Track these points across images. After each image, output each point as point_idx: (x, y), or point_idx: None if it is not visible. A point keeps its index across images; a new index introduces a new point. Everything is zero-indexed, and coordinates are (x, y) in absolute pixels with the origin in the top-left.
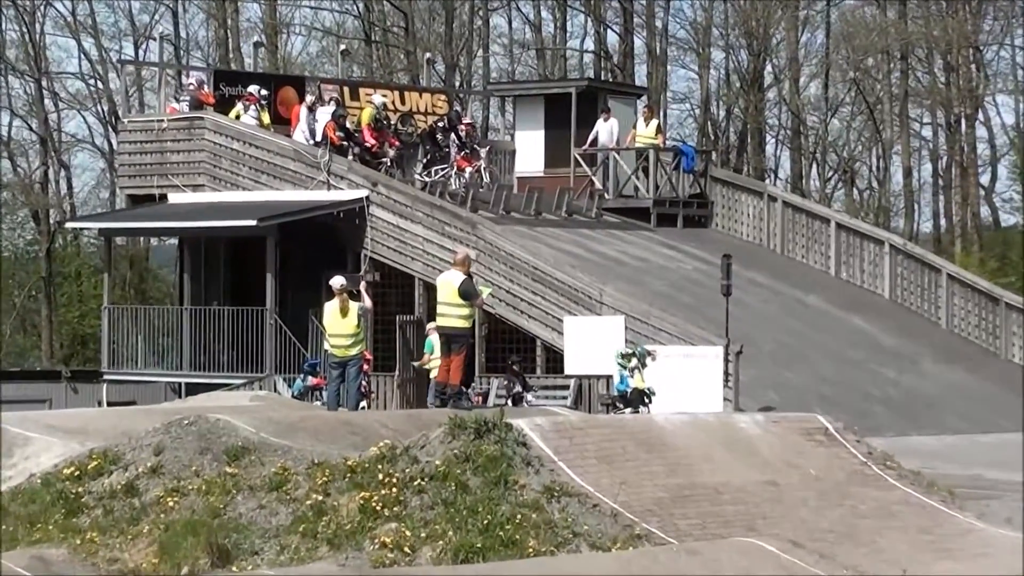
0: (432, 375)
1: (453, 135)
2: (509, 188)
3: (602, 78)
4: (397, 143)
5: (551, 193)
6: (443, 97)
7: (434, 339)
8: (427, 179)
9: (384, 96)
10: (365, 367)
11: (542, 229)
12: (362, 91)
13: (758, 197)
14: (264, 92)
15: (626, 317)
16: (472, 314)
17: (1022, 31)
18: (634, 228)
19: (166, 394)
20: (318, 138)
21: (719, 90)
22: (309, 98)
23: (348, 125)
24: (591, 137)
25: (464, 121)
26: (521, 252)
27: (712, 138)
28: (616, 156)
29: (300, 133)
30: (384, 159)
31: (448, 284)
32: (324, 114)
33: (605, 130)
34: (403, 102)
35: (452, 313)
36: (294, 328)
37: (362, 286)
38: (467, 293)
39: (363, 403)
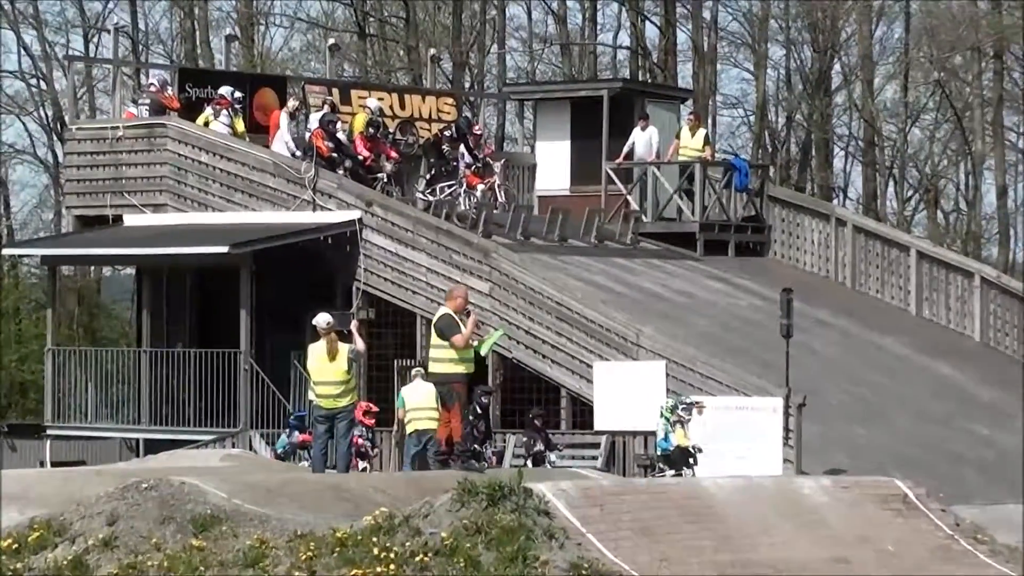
0: (408, 432)
1: (462, 146)
2: (529, 209)
3: (639, 79)
4: (396, 155)
5: (578, 215)
6: (450, 101)
7: (405, 392)
8: (431, 198)
9: (380, 100)
10: (366, 420)
11: (568, 258)
12: (354, 94)
13: (824, 220)
14: (238, 95)
15: (668, 363)
16: (467, 357)
17: None
18: (677, 257)
19: (121, 453)
20: (303, 148)
21: (778, 94)
22: (292, 102)
23: (339, 134)
24: (626, 149)
25: (475, 130)
26: (543, 285)
27: (770, 151)
28: (656, 172)
29: (281, 143)
30: (380, 174)
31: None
32: (316, 120)
33: (643, 141)
34: (403, 107)
35: (440, 356)
36: (273, 375)
37: (353, 325)
38: (442, 330)
39: (363, 464)
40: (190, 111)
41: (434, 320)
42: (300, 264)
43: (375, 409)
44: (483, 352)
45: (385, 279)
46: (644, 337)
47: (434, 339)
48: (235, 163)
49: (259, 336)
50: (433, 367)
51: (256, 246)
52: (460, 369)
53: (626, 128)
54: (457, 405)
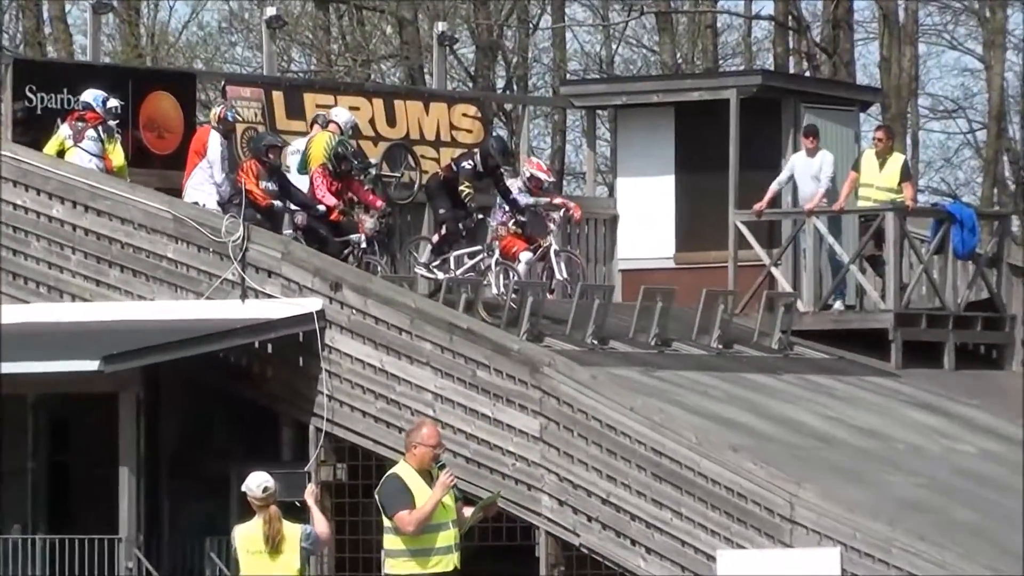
0: None
1: (495, 187)
2: (606, 292)
3: (790, 69)
4: (380, 203)
5: (689, 302)
6: (472, 110)
7: None
8: (440, 275)
9: (355, 111)
10: None
11: (673, 375)
12: (310, 99)
13: None
14: (114, 103)
15: (844, 549)
16: (429, 546)
17: None
18: (857, 371)
19: None
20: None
21: None
22: (221, 111)
23: (287, 168)
24: (775, 188)
25: (532, 168)
26: (631, 421)
27: (1012, 188)
28: (819, 225)
29: (206, 188)
30: (355, 236)
31: None
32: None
33: (807, 173)
34: (392, 121)
35: (391, 548)
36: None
37: (309, 493)
38: (382, 504)
39: None
40: (34, 130)
41: (378, 487)
42: (221, 389)
43: None
44: (464, 527)
45: (364, 413)
46: (802, 506)
47: (385, 521)
48: (111, 219)
49: (152, 510)
50: (387, 567)
51: (146, 359)
52: (414, 570)
53: (769, 152)
54: None
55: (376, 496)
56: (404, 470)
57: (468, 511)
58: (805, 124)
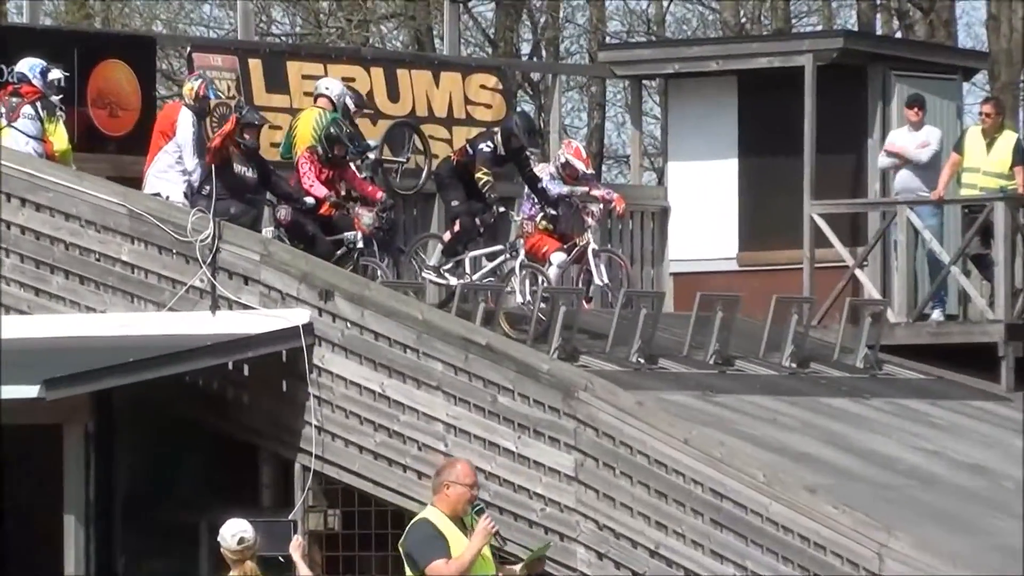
0: None
1: (520, 173)
2: (654, 300)
3: (877, 31)
4: (380, 195)
5: (756, 313)
6: (491, 80)
7: None
8: (453, 281)
9: (350, 82)
10: None
11: (736, 399)
12: (294, 69)
13: None
14: (56, 74)
15: None
16: None
17: None
18: (960, 395)
19: None
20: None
21: None
22: (194, 84)
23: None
24: (883, 164)
25: (570, 152)
26: (685, 456)
27: None
28: (912, 217)
29: (171, 178)
30: (349, 234)
31: None
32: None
33: (912, 148)
34: (395, 95)
35: None
36: None
37: (295, 545)
38: (410, 555)
39: None
40: None
41: (403, 536)
42: (188, 419)
43: None
44: None
45: (361, 449)
46: (893, 558)
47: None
48: (52, 215)
49: (104, 565)
50: None
51: (96, 384)
52: None
53: (852, 130)
54: None
55: (401, 547)
56: (435, 515)
57: (510, 570)
58: (910, 94)
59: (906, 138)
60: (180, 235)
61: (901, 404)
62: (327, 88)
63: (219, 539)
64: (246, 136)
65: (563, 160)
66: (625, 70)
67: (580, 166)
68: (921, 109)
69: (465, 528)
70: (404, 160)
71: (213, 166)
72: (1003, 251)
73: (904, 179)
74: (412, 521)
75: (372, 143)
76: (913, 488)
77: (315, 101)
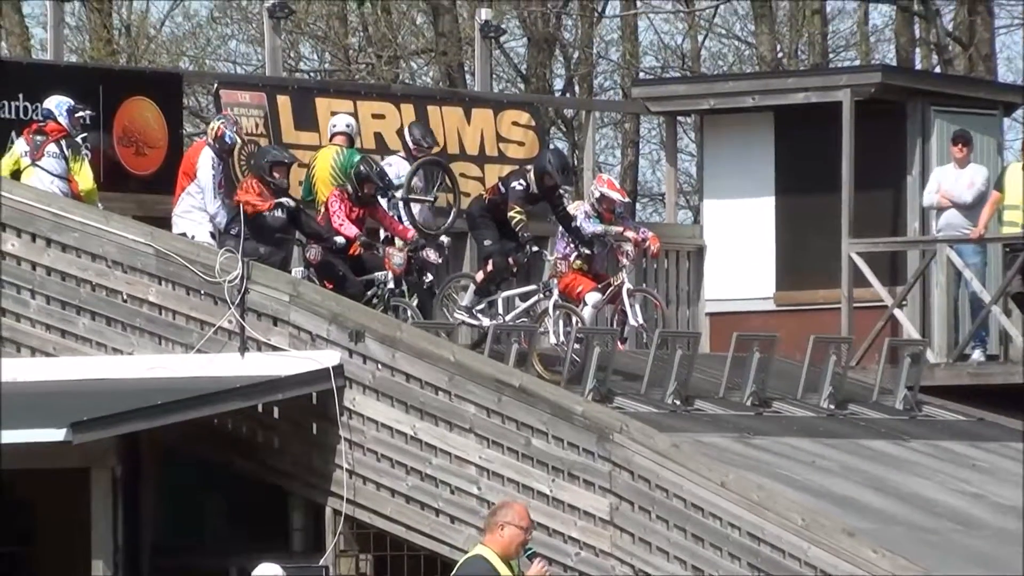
0: None
1: (553, 212)
2: (690, 341)
3: (916, 66)
4: (412, 234)
5: (794, 353)
6: (523, 118)
7: None
8: (485, 322)
9: (378, 119)
10: None
11: (772, 442)
12: (323, 105)
13: None
14: (83, 113)
15: None
16: None
17: None
18: (1002, 436)
19: None
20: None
21: None
22: (219, 130)
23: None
24: (931, 199)
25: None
26: (722, 500)
27: None
28: (954, 256)
29: (195, 218)
30: (380, 274)
31: None
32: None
33: (959, 187)
34: (422, 135)
35: None
36: None
37: None
38: None
39: None
40: None
41: (455, 570)
42: (217, 463)
43: None
44: None
45: (393, 492)
46: None
47: None
48: (78, 256)
49: None
50: None
51: (123, 427)
52: None
53: (891, 167)
54: None
55: None
56: (489, 555)
57: None
58: (956, 131)
59: (951, 176)
60: (208, 276)
61: (941, 446)
62: (335, 125)
63: None
64: (276, 175)
65: (598, 195)
66: (660, 106)
67: (616, 196)
68: (966, 146)
69: (512, 573)
70: (433, 198)
71: (241, 205)
72: None
73: (948, 216)
74: (465, 557)
75: (397, 180)
76: (954, 531)
77: (331, 140)
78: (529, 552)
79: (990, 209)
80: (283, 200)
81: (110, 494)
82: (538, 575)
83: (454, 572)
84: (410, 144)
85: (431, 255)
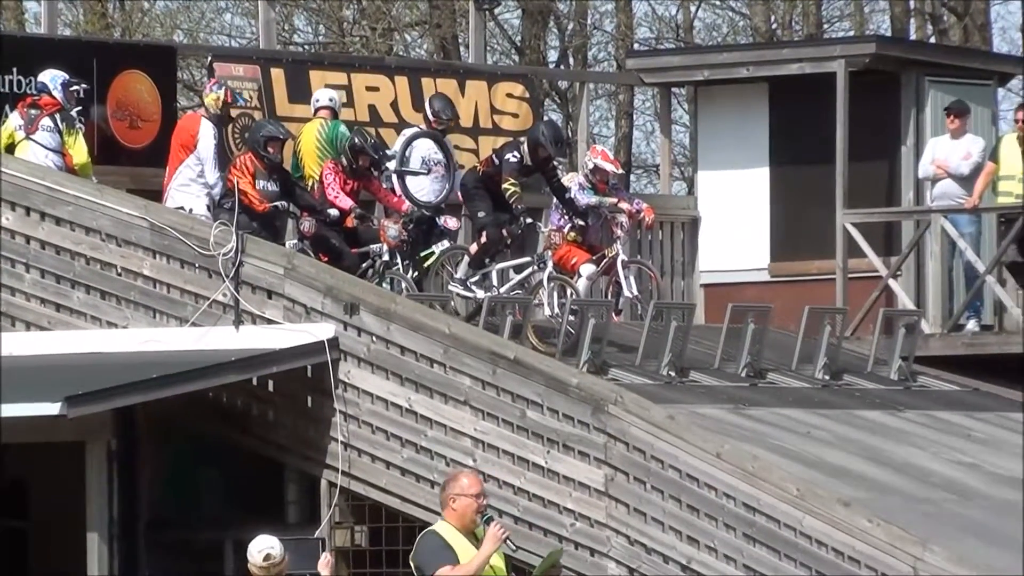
0: None
1: (547, 184)
2: (684, 312)
3: (911, 36)
4: (406, 206)
5: (788, 324)
6: (517, 90)
7: None
8: (480, 294)
9: (374, 91)
10: None
11: (766, 413)
12: (318, 78)
13: None
14: (77, 86)
15: None
16: None
17: None
18: (997, 406)
19: None
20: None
21: None
22: (216, 93)
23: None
24: (927, 170)
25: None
26: (717, 471)
27: None
28: (947, 225)
29: (193, 191)
30: (375, 246)
31: None
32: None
33: (955, 158)
34: (419, 104)
35: None
36: None
37: (323, 563)
38: (420, 568)
39: None
40: None
41: (412, 550)
42: (212, 436)
43: None
44: None
45: (388, 464)
46: (929, 572)
47: None
48: (72, 229)
49: None
50: None
51: (119, 400)
52: None
53: (885, 138)
54: None
55: (411, 561)
56: (444, 528)
57: None
58: (951, 101)
59: (947, 147)
60: (203, 249)
61: (936, 416)
62: (316, 100)
63: (250, 552)
64: (270, 150)
65: (591, 166)
66: (654, 77)
67: (610, 167)
68: (958, 117)
69: (478, 541)
70: (425, 171)
71: (235, 179)
72: None
73: (943, 186)
74: (421, 534)
75: (391, 152)
76: (949, 501)
77: (314, 114)
78: (486, 517)
79: (985, 180)
80: (278, 204)
81: (105, 468)
82: (495, 536)
83: (412, 551)
84: (429, 116)
85: (450, 222)
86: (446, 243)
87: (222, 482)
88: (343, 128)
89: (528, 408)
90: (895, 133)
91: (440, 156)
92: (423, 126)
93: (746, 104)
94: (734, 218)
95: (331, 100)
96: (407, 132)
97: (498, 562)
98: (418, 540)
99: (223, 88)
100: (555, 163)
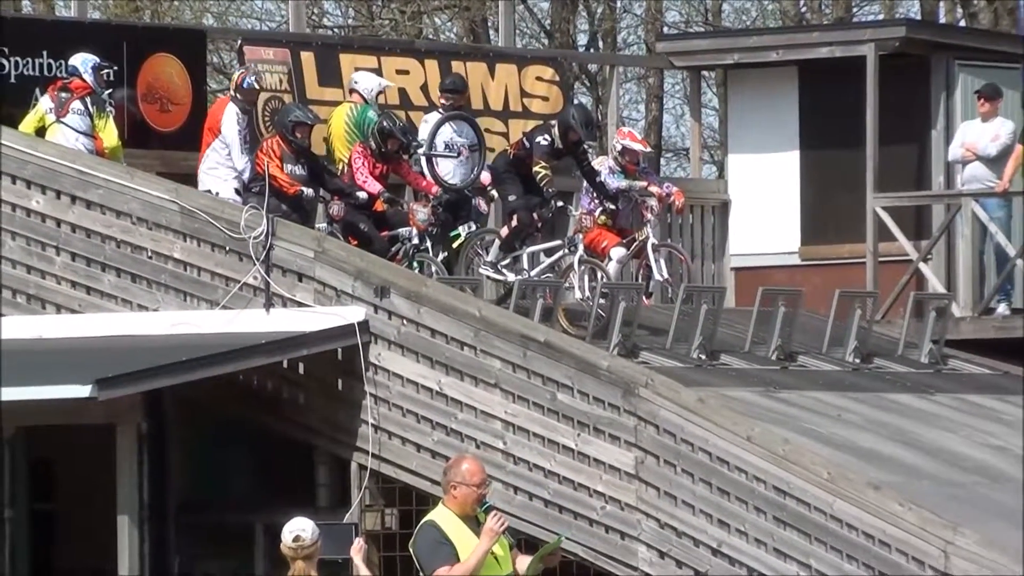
0: None
1: (578, 167)
2: (715, 296)
3: (940, 20)
4: (436, 189)
5: (819, 308)
6: (547, 73)
7: None
8: (511, 277)
9: (403, 74)
10: None
11: (797, 396)
12: (347, 61)
13: None
14: (107, 68)
15: None
16: None
17: None
18: None
19: None
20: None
21: None
22: (238, 78)
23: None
24: (953, 156)
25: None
26: (748, 454)
27: None
28: (978, 210)
29: (221, 174)
30: (404, 230)
31: None
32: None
33: (983, 141)
34: (446, 90)
35: None
36: None
37: (356, 548)
38: (419, 559)
39: None
40: (5, 104)
41: (412, 537)
42: (242, 419)
43: None
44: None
45: (418, 447)
46: (960, 556)
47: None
48: (103, 212)
49: (159, 568)
50: None
51: (149, 383)
52: None
53: (916, 121)
54: None
55: (411, 549)
56: (443, 516)
57: (524, 561)
58: (982, 84)
59: (977, 130)
60: (233, 232)
61: (967, 400)
62: (355, 83)
63: (284, 538)
64: (297, 135)
65: (620, 147)
66: (683, 61)
67: (638, 147)
68: (988, 100)
69: (478, 525)
70: (455, 154)
71: (265, 162)
72: None
73: (973, 169)
74: (421, 522)
75: (418, 138)
76: (980, 485)
77: (348, 95)
78: (485, 506)
79: (1014, 163)
80: (304, 190)
81: (135, 451)
82: (492, 531)
83: (412, 538)
84: (440, 99)
85: (482, 204)
86: (472, 225)
87: (252, 465)
88: (371, 113)
89: (558, 391)
90: (925, 117)
91: (462, 140)
92: (440, 111)
93: (776, 88)
94: (764, 202)
95: (370, 91)
96: (428, 118)
97: (500, 551)
98: (417, 529)
99: (239, 72)
100: (586, 146)
